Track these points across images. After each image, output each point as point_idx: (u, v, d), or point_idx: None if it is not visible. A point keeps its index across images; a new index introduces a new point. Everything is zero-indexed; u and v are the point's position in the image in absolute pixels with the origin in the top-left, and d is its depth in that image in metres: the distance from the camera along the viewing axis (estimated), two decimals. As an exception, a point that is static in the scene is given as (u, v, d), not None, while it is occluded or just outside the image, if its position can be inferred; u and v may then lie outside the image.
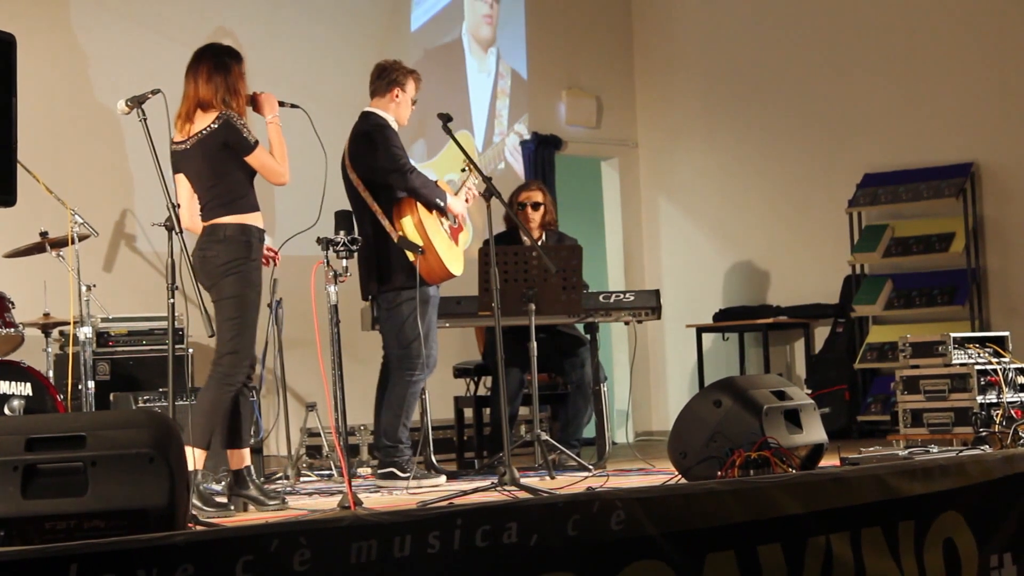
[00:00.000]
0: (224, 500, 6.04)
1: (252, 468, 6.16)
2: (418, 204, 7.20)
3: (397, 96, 7.39)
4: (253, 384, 6.29)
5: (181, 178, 6.14)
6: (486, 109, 11.30)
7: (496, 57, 11.39)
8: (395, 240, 7.13)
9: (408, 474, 6.99)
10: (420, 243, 7.10)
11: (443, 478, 7.20)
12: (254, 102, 6.25)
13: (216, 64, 6.13)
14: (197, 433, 5.94)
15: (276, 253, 6.42)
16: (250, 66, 6.37)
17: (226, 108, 6.03)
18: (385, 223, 7.19)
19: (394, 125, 7.38)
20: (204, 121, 6.05)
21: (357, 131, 7.40)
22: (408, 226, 7.14)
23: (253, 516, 5.83)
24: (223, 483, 6.42)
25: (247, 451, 6.17)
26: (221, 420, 6.05)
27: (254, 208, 6.12)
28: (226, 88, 6.09)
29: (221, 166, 6.05)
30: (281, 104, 6.27)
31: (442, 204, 7.26)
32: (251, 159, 6.06)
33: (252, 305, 6.02)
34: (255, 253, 6.05)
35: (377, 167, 7.24)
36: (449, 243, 7.31)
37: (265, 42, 9.81)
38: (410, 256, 7.11)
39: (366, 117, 7.42)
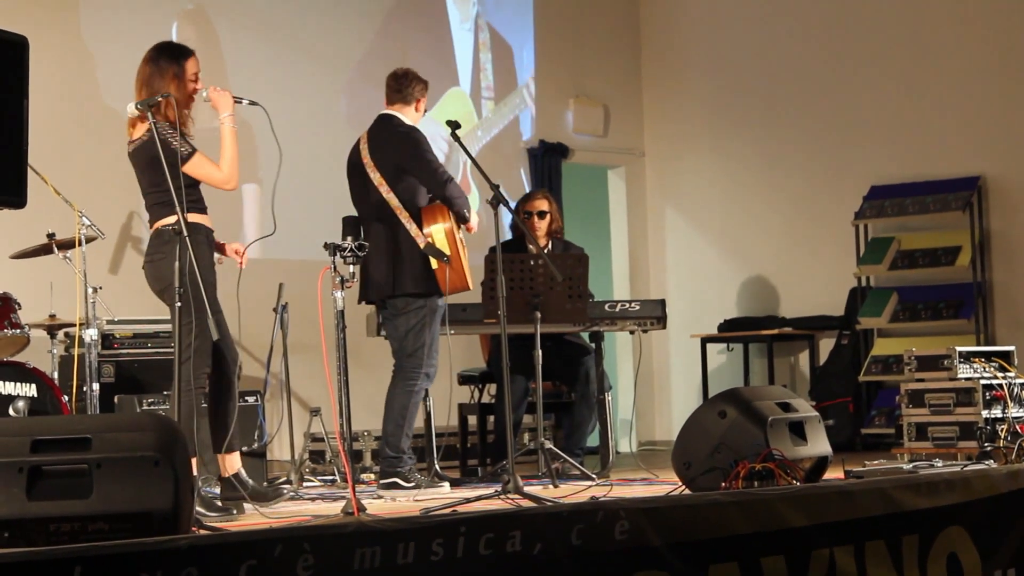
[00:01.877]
0: (220, 504, 6.03)
1: (243, 471, 6.15)
2: (450, 212, 7.14)
3: (417, 108, 7.34)
4: (257, 389, 6.27)
5: None
6: (470, 62, 11.26)
7: (476, 8, 11.34)
8: (421, 246, 7.02)
9: (411, 484, 6.96)
10: (447, 252, 7.02)
11: (447, 486, 7.18)
12: (202, 96, 6.08)
13: (154, 67, 6.03)
14: None
15: (243, 253, 6.31)
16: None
17: (152, 115, 5.83)
18: (412, 228, 7.04)
19: None
20: (139, 131, 5.96)
21: (383, 133, 7.25)
22: (439, 234, 7.03)
23: (257, 521, 5.83)
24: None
25: (237, 456, 6.15)
26: (208, 424, 6.03)
27: (198, 209, 6.01)
28: (156, 92, 5.93)
29: (156, 175, 5.90)
30: (238, 101, 6.11)
31: (468, 216, 7.15)
32: (188, 169, 5.89)
33: (203, 306, 5.81)
34: (202, 252, 5.91)
35: (412, 172, 7.11)
36: (461, 253, 7.24)
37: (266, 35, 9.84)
38: (433, 264, 7.04)
39: (388, 120, 7.28)
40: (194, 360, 5.81)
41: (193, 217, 5.92)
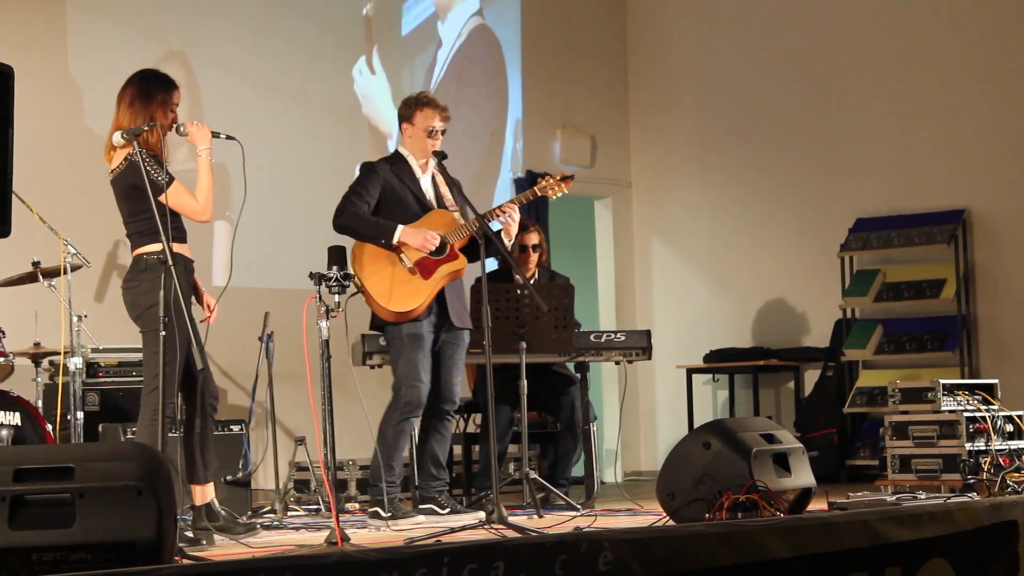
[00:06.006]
0: (190, 535, 5.99)
1: (215, 501, 6.12)
2: (356, 242, 7.04)
3: (406, 131, 7.32)
4: (242, 418, 6.27)
5: None
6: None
7: (462, 39, 11.44)
8: None
9: (387, 515, 6.92)
10: (360, 282, 6.95)
11: (421, 518, 7.04)
12: (178, 130, 6.04)
13: (140, 91, 6.00)
14: None
15: (212, 310, 6.32)
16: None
17: (138, 144, 5.77)
18: None
19: (410, 160, 7.24)
20: (118, 158, 5.94)
21: None
22: (351, 265, 6.98)
23: (240, 551, 5.81)
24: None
25: (210, 486, 6.12)
26: (184, 453, 6.01)
27: (179, 238, 5.98)
28: (144, 118, 5.92)
29: (136, 204, 5.91)
30: (216, 135, 6.10)
31: (383, 241, 7.01)
32: (164, 199, 5.80)
33: (187, 336, 5.75)
34: (180, 282, 5.77)
35: None
36: (402, 278, 7.02)
37: (251, 64, 9.86)
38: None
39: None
40: (163, 390, 5.62)
41: (174, 247, 5.88)
